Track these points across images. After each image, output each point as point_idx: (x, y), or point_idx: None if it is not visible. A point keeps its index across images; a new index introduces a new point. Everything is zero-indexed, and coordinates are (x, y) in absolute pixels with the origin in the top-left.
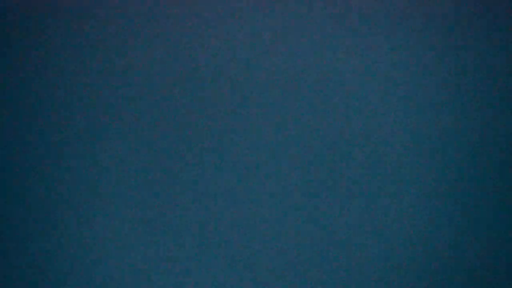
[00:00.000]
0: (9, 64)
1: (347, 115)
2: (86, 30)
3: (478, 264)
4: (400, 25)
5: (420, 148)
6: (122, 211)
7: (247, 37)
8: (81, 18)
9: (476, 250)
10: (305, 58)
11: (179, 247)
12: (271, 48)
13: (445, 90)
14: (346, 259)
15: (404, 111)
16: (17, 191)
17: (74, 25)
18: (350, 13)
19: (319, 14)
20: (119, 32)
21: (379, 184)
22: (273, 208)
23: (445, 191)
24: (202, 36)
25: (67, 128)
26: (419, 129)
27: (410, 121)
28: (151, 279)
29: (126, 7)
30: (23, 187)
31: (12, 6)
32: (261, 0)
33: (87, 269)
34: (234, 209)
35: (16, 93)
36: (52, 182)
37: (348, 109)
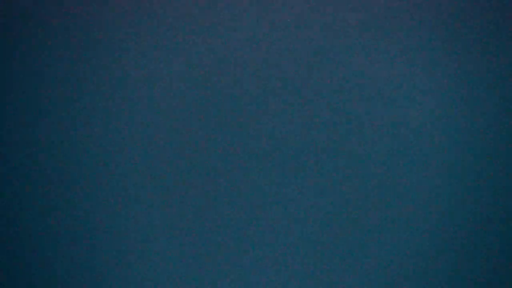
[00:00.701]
0: (9, 64)
1: (350, 115)
2: (87, 30)
3: (479, 264)
4: (402, 25)
5: (422, 148)
6: (124, 211)
7: (249, 37)
8: (81, 19)
9: (477, 249)
10: (308, 58)
11: (182, 247)
12: (274, 47)
13: (449, 91)
14: (350, 260)
15: (406, 111)
16: (17, 189)
17: (76, 26)
18: (352, 14)
19: (322, 14)
20: (120, 31)
21: (383, 184)
22: (277, 209)
23: (449, 192)
24: (206, 36)
25: (68, 127)
26: (423, 129)
27: (412, 121)
28: (153, 280)
29: (126, 7)
30: (23, 186)
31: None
32: (264, 0)
33: (87, 267)
34: (237, 210)
35: (17, 93)
36: (55, 180)
37: (350, 109)
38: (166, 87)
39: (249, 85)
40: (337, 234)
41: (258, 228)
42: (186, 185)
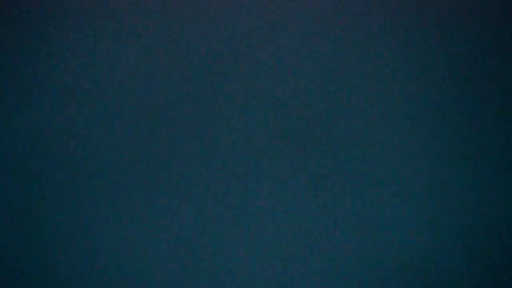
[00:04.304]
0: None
1: (345, 116)
2: (82, 28)
3: (477, 265)
4: (400, 24)
5: (419, 149)
6: (119, 211)
7: (243, 35)
8: (78, 17)
9: (475, 250)
10: (303, 57)
11: (175, 246)
12: (267, 45)
13: (446, 91)
14: (342, 260)
15: (403, 113)
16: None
17: (73, 25)
18: (349, 12)
19: (317, 13)
20: (114, 30)
21: (376, 185)
22: (270, 209)
23: (444, 193)
24: (198, 34)
25: (64, 126)
26: (419, 130)
27: (409, 123)
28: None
29: (121, 6)
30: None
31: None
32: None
33: (84, 266)
34: (228, 209)
35: (16, 92)
36: (50, 180)
37: (346, 109)
38: (152, 80)
39: (238, 85)
40: (331, 236)
41: (252, 229)
42: (180, 182)
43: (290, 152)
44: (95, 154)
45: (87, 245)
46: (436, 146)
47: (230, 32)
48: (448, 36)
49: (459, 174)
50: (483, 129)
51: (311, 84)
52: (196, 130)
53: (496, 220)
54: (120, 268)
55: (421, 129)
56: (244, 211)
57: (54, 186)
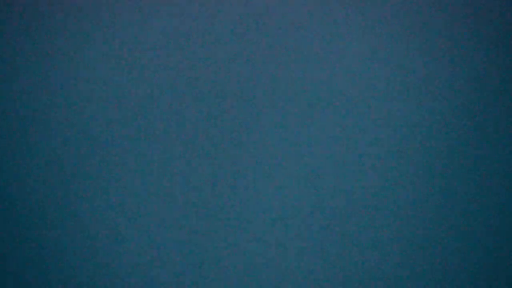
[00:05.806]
0: (10, 64)
1: (348, 115)
2: (86, 30)
3: (479, 263)
4: (402, 24)
5: (419, 146)
6: (124, 210)
7: (250, 36)
8: (81, 18)
9: (476, 248)
10: (307, 57)
11: (179, 243)
12: (274, 46)
13: (448, 90)
14: (347, 260)
15: (405, 110)
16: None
17: (75, 26)
18: (352, 13)
19: (323, 13)
20: (121, 32)
21: (379, 183)
22: (276, 208)
23: (446, 191)
24: (207, 36)
25: (70, 124)
26: (421, 128)
27: (410, 120)
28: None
29: (124, 7)
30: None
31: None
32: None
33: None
34: (239, 204)
35: (20, 92)
36: (55, 176)
37: (349, 108)
38: (161, 84)
39: (245, 85)
40: (338, 238)
41: (263, 226)
42: (186, 181)
43: (298, 153)
44: (98, 153)
45: (89, 243)
46: (435, 145)
47: (239, 34)
48: (450, 38)
49: (459, 171)
50: (488, 127)
51: (315, 82)
52: (198, 128)
53: (497, 220)
54: (124, 261)
55: (420, 127)
56: (258, 211)
57: (55, 184)
